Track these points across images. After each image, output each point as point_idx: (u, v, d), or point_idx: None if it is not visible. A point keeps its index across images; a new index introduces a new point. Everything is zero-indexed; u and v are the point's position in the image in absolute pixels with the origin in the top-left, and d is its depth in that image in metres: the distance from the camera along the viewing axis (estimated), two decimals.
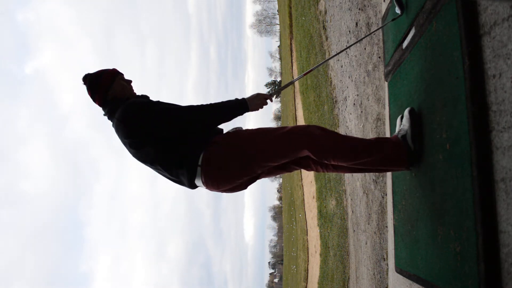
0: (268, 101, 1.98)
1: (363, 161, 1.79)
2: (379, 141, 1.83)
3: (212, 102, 1.91)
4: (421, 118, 1.71)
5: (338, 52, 2.11)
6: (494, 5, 1.16)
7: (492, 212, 1.14)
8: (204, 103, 1.90)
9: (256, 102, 1.91)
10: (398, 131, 1.85)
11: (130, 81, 2.02)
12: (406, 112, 1.82)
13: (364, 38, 2.21)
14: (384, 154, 1.79)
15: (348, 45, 2.18)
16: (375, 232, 3.64)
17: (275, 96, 2.03)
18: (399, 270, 1.95)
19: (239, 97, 1.93)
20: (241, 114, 1.91)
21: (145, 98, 2.00)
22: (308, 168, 2.04)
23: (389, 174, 2.33)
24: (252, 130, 1.87)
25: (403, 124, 1.84)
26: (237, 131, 1.88)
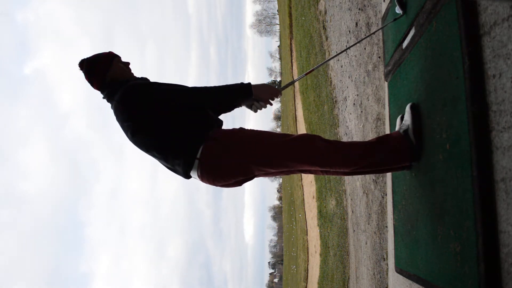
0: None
1: (367, 162, 1.78)
2: (380, 139, 1.83)
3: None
4: (423, 113, 1.70)
5: (338, 53, 2.12)
6: (494, 5, 1.16)
7: (492, 212, 1.14)
8: (207, 85, 1.86)
9: (263, 89, 1.86)
10: (400, 127, 1.84)
11: (128, 63, 1.98)
12: (407, 107, 1.80)
13: (364, 39, 2.21)
14: (386, 151, 1.77)
15: (348, 46, 2.19)
16: (375, 232, 3.64)
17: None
18: (399, 270, 1.95)
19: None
20: (244, 97, 1.85)
21: (144, 80, 1.96)
22: (306, 172, 2.03)
23: (389, 174, 2.32)
24: (255, 131, 1.84)
25: (404, 119, 1.82)
26: (240, 130, 1.84)
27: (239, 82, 1.88)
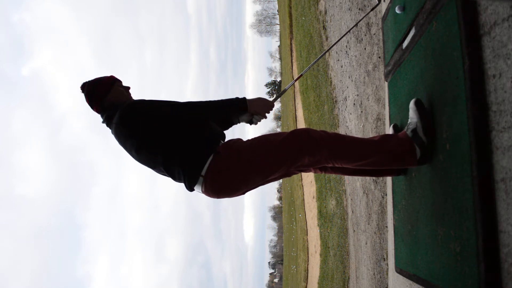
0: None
1: (368, 161, 1.73)
2: (384, 139, 1.75)
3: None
4: (428, 107, 1.60)
5: (321, 55, 2.14)
6: (494, 5, 1.16)
7: (492, 212, 1.14)
8: (203, 100, 1.86)
9: (258, 103, 1.87)
10: (407, 126, 1.74)
11: (128, 88, 2.01)
12: (411, 103, 1.69)
13: (341, 38, 2.25)
14: (390, 152, 1.70)
15: (331, 45, 2.23)
16: (375, 232, 3.64)
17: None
18: (399, 270, 1.95)
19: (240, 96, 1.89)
20: (239, 112, 1.86)
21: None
22: (306, 170, 2.02)
23: None
24: (252, 140, 1.81)
25: (410, 117, 1.72)
26: (237, 142, 1.83)
27: (234, 97, 1.88)
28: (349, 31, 2.21)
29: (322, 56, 2.27)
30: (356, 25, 2.32)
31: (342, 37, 2.20)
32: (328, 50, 2.27)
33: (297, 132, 1.75)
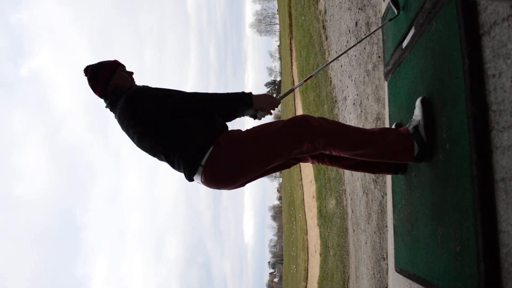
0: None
1: (365, 151, 1.71)
2: (384, 131, 1.75)
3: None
4: (434, 107, 1.59)
5: (338, 55, 2.12)
6: (494, 5, 1.16)
7: (492, 212, 1.14)
8: (209, 92, 1.87)
9: (264, 99, 1.87)
10: (409, 122, 1.74)
11: (131, 73, 2.00)
12: (418, 102, 1.68)
13: (364, 39, 2.22)
14: (388, 145, 1.70)
15: (348, 48, 2.18)
16: (375, 232, 3.64)
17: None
18: (399, 269, 1.95)
19: (247, 91, 1.89)
20: (244, 106, 1.86)
21: (145, 87, 1.97)
22: (304, 160, 2.01)
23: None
24: (251, 130, 1.82)
25: (414, 114, 1.72)
26: (237, 132, 1.84)
27: (240, 91, 1.89)
28: (368, 36, 2.19)
29: (340, 56, 2.24)
30: (378, 29, 2.29)
31: (361, 40, 2.17)
32: (346, 51, 2.25)
33: (296, 119, 1.75)
